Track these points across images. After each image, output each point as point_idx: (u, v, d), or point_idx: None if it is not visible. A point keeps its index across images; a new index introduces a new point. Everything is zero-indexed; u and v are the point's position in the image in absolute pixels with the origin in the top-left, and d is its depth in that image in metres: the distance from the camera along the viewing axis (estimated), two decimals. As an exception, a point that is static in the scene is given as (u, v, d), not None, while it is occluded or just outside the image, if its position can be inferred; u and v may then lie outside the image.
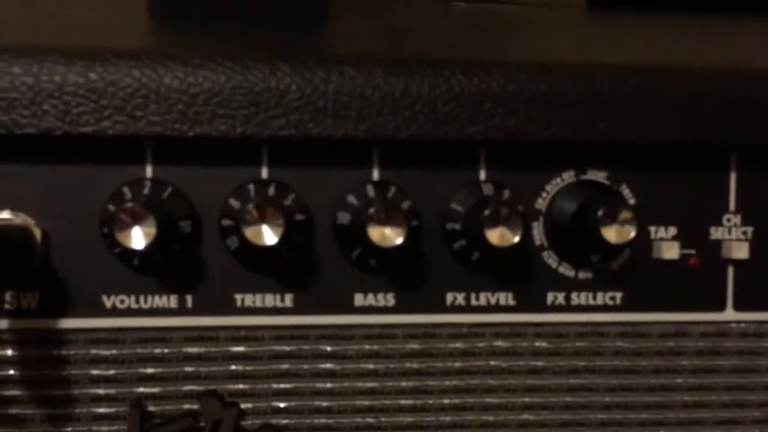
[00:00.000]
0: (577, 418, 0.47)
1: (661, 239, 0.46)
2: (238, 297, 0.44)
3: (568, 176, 0.46)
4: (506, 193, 0.45)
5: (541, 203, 0.46)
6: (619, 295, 0.47)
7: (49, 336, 0.43)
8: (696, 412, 0.47)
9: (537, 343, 0.46)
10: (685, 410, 0.47)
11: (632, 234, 0.42)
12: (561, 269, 0.46)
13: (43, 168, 0.43)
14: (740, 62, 0.47)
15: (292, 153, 0.44)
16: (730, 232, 0.47)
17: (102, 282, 0.43)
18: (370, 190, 0.44)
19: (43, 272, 0.43)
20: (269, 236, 0.41)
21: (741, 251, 0.46)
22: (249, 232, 0.41)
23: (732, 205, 0.47)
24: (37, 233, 0.41)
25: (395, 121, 0.42)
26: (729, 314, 0.47)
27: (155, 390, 0.44)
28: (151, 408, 0.44)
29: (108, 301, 0.44)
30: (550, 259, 0.46)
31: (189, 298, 0.44)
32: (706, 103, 0.44)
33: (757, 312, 0.47)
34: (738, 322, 0.47)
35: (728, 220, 0.47)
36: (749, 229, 0.47)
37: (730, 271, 0.47)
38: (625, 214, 0.42)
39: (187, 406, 0.44)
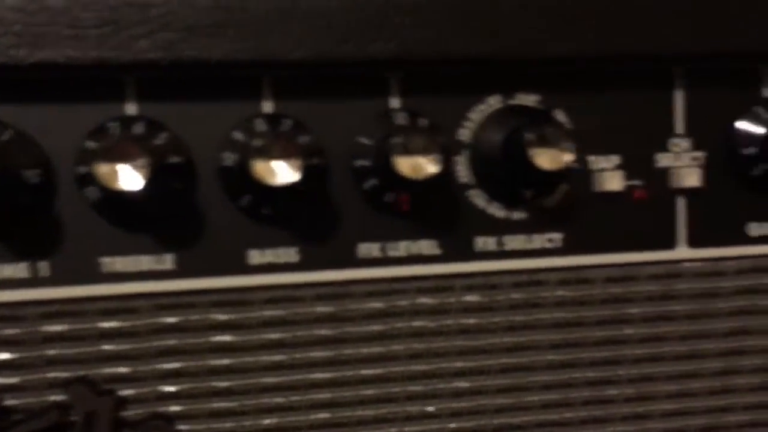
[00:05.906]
0: (517, 381, 0.44)
1: (602, 169, 0.44)
2: (105, 260, 0.41)
3: (495, 101, 0.43)
4: (423, 122, 0.42)
5: (464, 134, 0.43)
6: (558, 236, 0.44)
7: None
8: (649, 366, 0.46)
9: (467, 298, 0.44)
10: (637, 365, 0.45)
11: (568, 157, 0.40)
12: (491, 210, 0.44)
13: None
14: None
15: (163, 82, 0.40)
16: (678, 158, 0.45)
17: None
18: (261, 125, 0.40)
19: None
20: (132, 178, 0.36)
21: (692, 179, 0.45)
22: (108, 176, 0.36)
23: (679, 128, 0.45)
24: None
25: (286, 37, 0.39)
26: (681, 252, 0.45)
27: (12, 380, 0.40)
28: (9, 402, 0.40)
29: (-60, 275, 0.39)
30: (478, 198, 0.44)
31: (44, 265, 0.40)
32: (644, 12, 0.42)
33: (712, 248, 0.46)
34: (692, 260, 0.46)
35: (676, 144, 0.45)
36: (700, 154, 0.45)
37: (681, 202, 0.45)
38: (557, 135, 0.40)
39: (52, 398, 0.41)
